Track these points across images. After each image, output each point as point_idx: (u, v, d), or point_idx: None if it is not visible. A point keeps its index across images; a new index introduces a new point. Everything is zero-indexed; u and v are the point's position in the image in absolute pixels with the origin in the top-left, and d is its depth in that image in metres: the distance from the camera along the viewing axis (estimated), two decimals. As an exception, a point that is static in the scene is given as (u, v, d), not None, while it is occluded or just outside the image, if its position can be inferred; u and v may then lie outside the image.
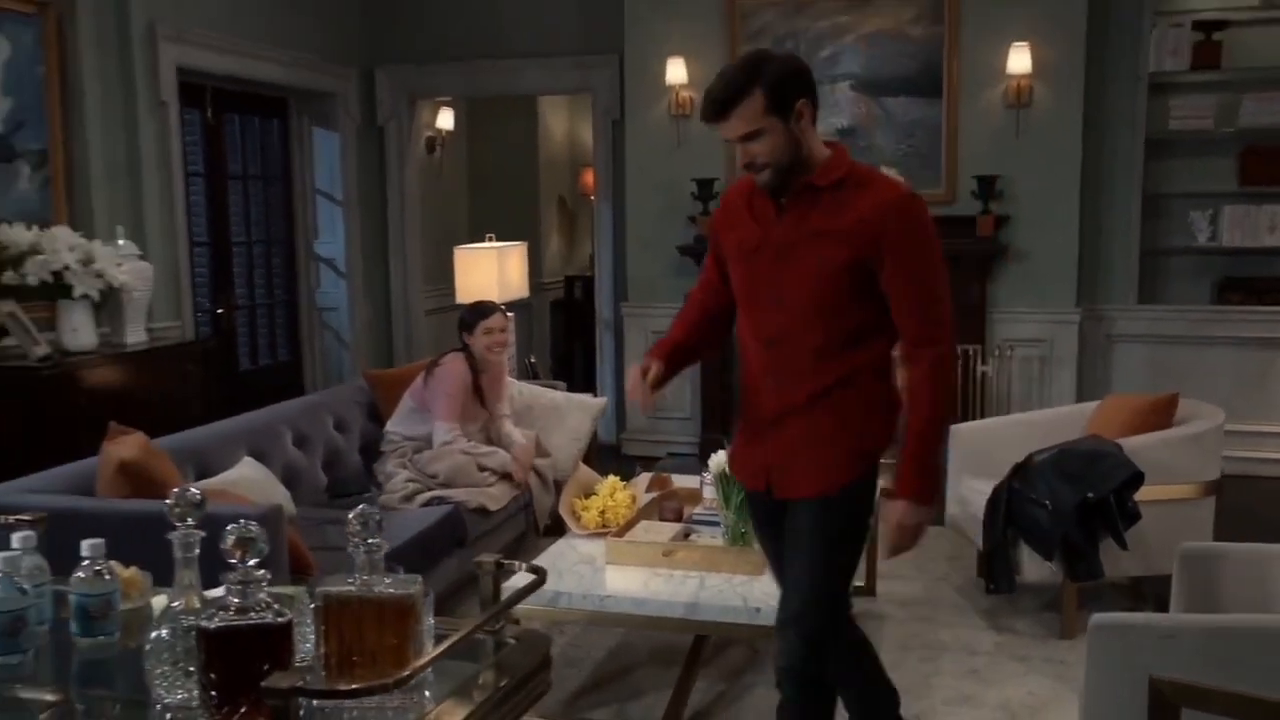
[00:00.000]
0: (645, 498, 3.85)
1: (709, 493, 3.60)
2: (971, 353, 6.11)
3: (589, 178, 8.50)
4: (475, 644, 1.78)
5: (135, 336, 5.03)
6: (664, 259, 6.58)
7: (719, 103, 2.36)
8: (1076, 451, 3.96)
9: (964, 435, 4.60)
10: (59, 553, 2.57)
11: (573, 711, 3.40)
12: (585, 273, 8.78)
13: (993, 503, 4.06)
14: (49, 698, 1.64)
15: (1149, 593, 4.14)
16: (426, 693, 1.58)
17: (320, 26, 6.83)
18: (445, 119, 8.05)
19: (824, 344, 2.43)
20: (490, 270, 5.32)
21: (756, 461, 2.60)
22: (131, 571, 1.88)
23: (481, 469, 4.33)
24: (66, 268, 4.57)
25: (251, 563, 1.44)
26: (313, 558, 3.31)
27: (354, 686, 1.38)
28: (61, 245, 4.59)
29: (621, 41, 6.63)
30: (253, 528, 1.46)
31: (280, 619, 1.41)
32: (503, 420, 4.54)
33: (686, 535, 3.55)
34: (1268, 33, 6.21)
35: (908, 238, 2.36)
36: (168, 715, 1.50)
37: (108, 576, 1.70)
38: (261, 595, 1.42)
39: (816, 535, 2.48)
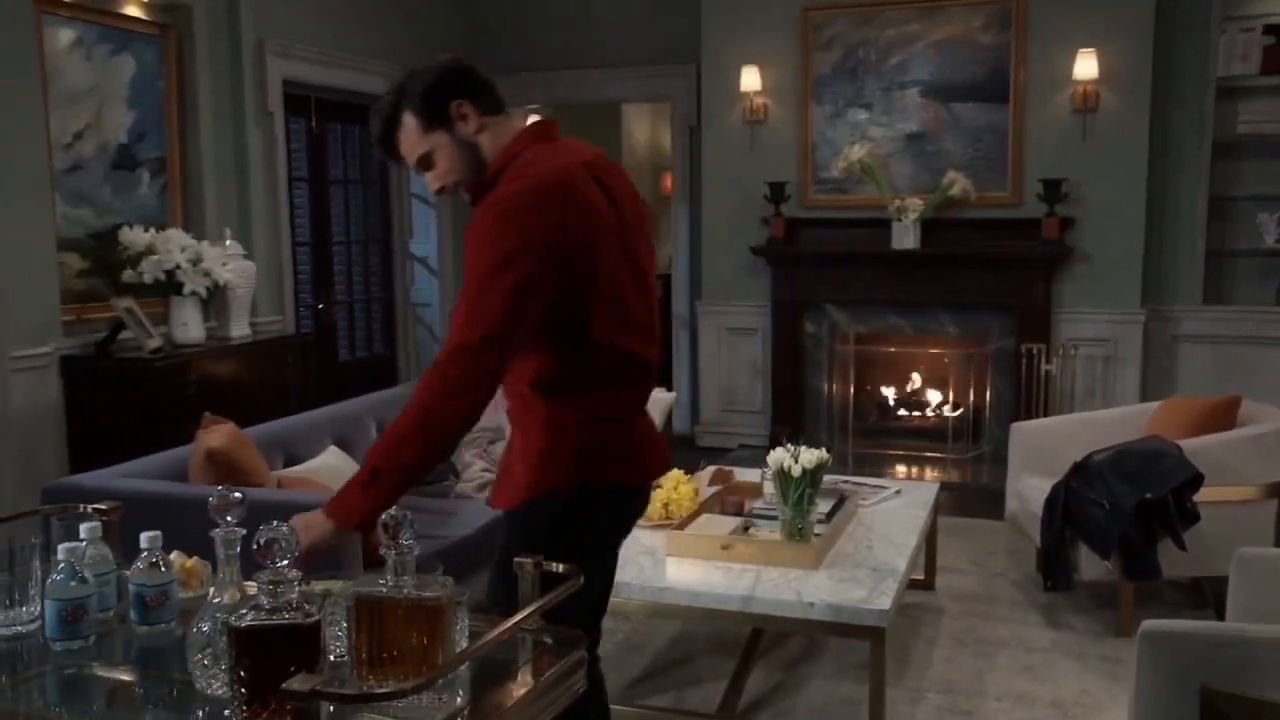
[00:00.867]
0: (708, 491, 3.75)
1: (769, 487, 3.48)
2: (1035, 351, 5.88)
3: (669, 181, 8.39)
4: (514, 642, 1.71)
5: (240, 330, 5.08)
6: (738, 259, 6.47)
7: (379, 141, 2.07)
8: (1136, 452, 3.76)
9: (1024, 433, 4.42)
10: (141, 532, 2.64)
11: (632, 697, 3.32)
12: (666, 272, 8.68)
13: (1051, 501, 3.88)
14: (119, 677, 1.62)
15: (1209, 591, 3.92)
16: (460, 692, 1.51)
17: (418, 40, 6.83)
18: (534, 126, 8.00)
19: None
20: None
21: None
22: (193, 561, 1.84)
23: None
24: (178, 267, 4.63)
25: (283, 563, 1.38)
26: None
27: (372, 691, 1.32)
28: (174, 246, 4.65)
29: (699, 51, 6.53)
30: (283, 528, 1.40)
31: (308, 620, 1.35)
32: None
33: (746, 529, 3.44)
34: (1342, 36, 5.85)
35: (473, 230, 1.91)
36: (206, 708, 1.45)
37: (163, 568, 1.67)
38: (293, 595, 1.37)
39: (499, 549, 2.11)
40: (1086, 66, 5.76)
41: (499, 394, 2.00)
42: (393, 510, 1.51)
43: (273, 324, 5.59)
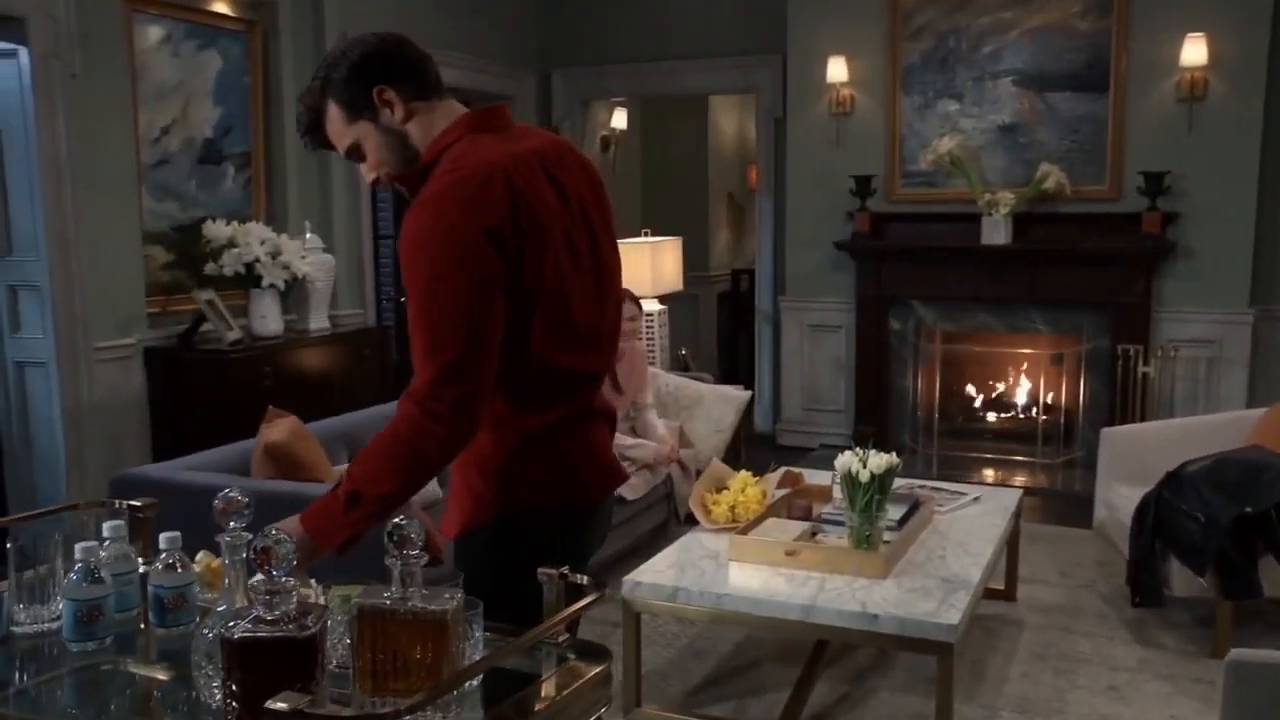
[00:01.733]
0: (777, 494, 3.63)
1: (838, 492, 3.35)
2: (1133, 353, 5.59)
3: (755, 174, 8.26)
4: (537, 655, 1.64)
5: (318, 323, 5.13)
6: (821, 254, 6.30)
7: (306, 132, 1.89)
8: (1235, 462, 3.52)
9: (1115, 439, 4.19)
10: (200, 527, 2.64)
11: (693, 704, 3.23)
12: (751, 266, 8.54)
13: (1140, 511, 3.67)
14: (130, 681, 1.59)
15: (1316, 614, 3.66)
16: (471, 708, 1.44)
17: (500, 34, 6.83)
18: (619, 119, 7.95)
19: None
20: (644, 264, 5.18)
21: None
22: (219, 562, 1.81)
23: (623, 459, 4.20)
24: (257, 260, 4.69)
25: (282, 572, 1.32)
26: (443, 542, 3.23)
27: (366, 712, 1.25)
28: (254, 239, 4.71)
29: (784, 41, 6.37)
30: (283, 536, 1.35)
31: (304, 633, 1.29)
32: (646, 410, 4.39)
33: (813, 535, 3.32)
34: None
35: (404, 238, 1.70)
36: (208, 719, 1.41)
37: (180, 569, 1.63)
38: (291, 606, 1.31)
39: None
40: (1195, 52, 5.44)
41: None
42: (400, 519, 1.44)
43: (353, 317, 5.63)
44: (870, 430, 6.11)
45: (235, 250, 4.65)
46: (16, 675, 1.59)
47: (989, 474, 5.83)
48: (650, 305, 5.35)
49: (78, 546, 1.61)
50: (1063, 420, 5.89)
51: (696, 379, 4.91)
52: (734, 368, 8.12)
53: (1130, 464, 4.07)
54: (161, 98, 4.68)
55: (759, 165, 6.92)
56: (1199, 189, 5.52)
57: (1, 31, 4.00)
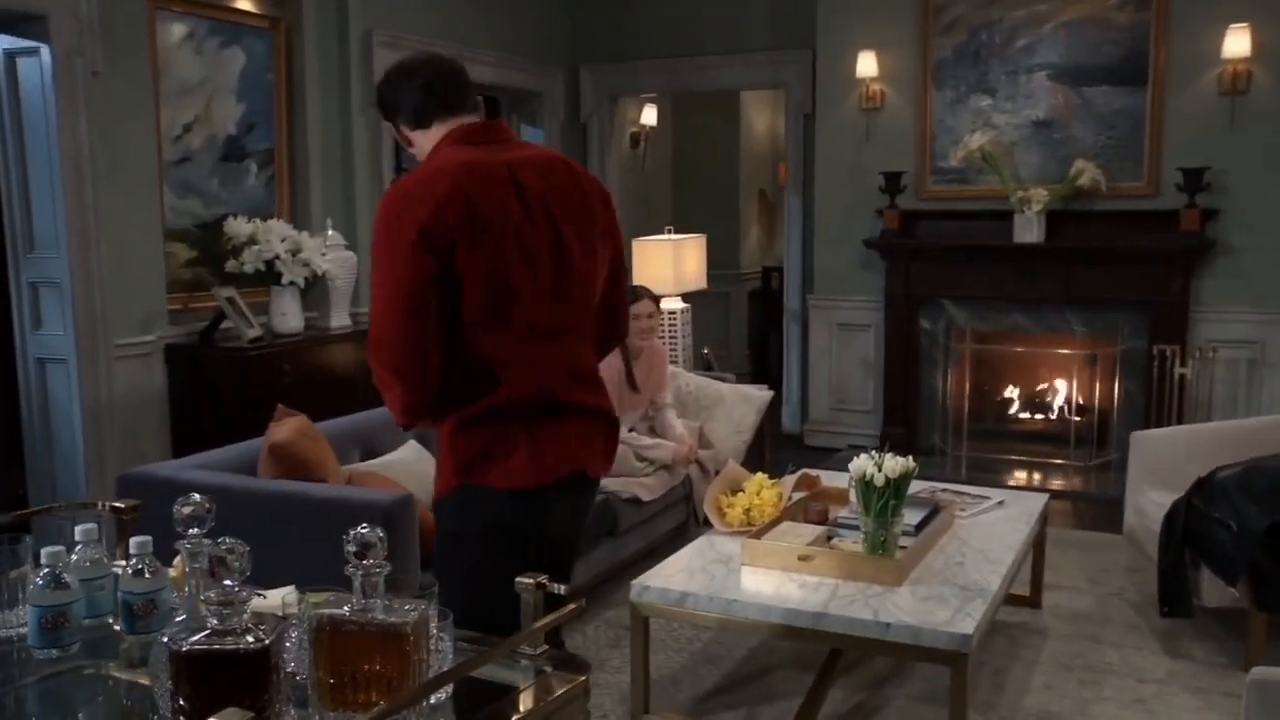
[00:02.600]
0: (794, 497, 3.55)
1: (854, 496, 3.26)
2: (1169, 353, 5.44)
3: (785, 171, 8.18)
4: (515, 668, 1.58)
5: (339, 320, 5.11)
6: (851, 252, 6.22)
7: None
8: (1269, 469, 3.39)
9: (1146, 443, 4.06)
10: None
11: (703, 711, 3.16)
12: (782, 263, 8.47)
13: (1170, 519, 3.55)
14: (90, 689, 1.55)
15: (1356, 626, 3.52)
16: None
17: (529, 30, 6.79)
18: (649, 115, 7.89)
19: None
20: (665, 261, 5.11)
21: None
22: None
23: (640, 459, 4.14)
24: (277, 257, 4.68)
25: (234, 581, 1.28)
26: (453, 543, 3.20)
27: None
28: (274, 236, 4.70)
29: (814, 36, 6.28)
30: (237, 546, 1.30)
31: (253, 646, 1.24)
32: (665, 410, 4.33)
33: (829, 539, 3.24)
34: None
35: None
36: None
37: (149, 575, 1.59)
38: (244, 616, 1.26)
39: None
40: (1237, 43, 5.28)
41: None
42: (363, 528, 1.39)
43: (377, 314, 5.60)
44: (899, 431, 6.02)
45: (256, 247, 4.64)
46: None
47: (1020, 476, 5.71)
48: (673, 303, 5.28)
49: (44, 551, 1.58)
50: (1096, 422, 5.75)
51: (719, 379, 4.83)
52: (764, 367, 8.03)
53: (1161, 469, 3.94)
54: (184, 95, 4.69)
55: (788, 161, 6.83)
56: (1240, 185, 5.36)
57: (23, 29, 4.02)
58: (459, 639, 1.66)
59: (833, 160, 6.25)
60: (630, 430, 4.19)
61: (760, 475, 3.54)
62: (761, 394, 4.62)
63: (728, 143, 8.43)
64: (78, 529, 1.67)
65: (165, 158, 4.60)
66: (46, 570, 1.56)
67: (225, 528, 2.98)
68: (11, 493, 4.39)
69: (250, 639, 1.25)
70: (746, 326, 8.62)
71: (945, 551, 3.23)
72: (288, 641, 1.44)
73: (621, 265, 2.25)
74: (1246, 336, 5.43)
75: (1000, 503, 3.72)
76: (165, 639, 1.30)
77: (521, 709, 1.50)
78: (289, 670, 1.42)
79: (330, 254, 4.98)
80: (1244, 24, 5.26)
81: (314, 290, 5.01)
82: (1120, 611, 3.90)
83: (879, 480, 2.97)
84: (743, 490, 3.51)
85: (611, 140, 7.34)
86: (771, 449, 5.41)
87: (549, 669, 1.57)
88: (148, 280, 4.46)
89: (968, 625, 2.66)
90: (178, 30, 4.66)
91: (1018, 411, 6.16)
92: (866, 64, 6.01)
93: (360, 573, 1.35)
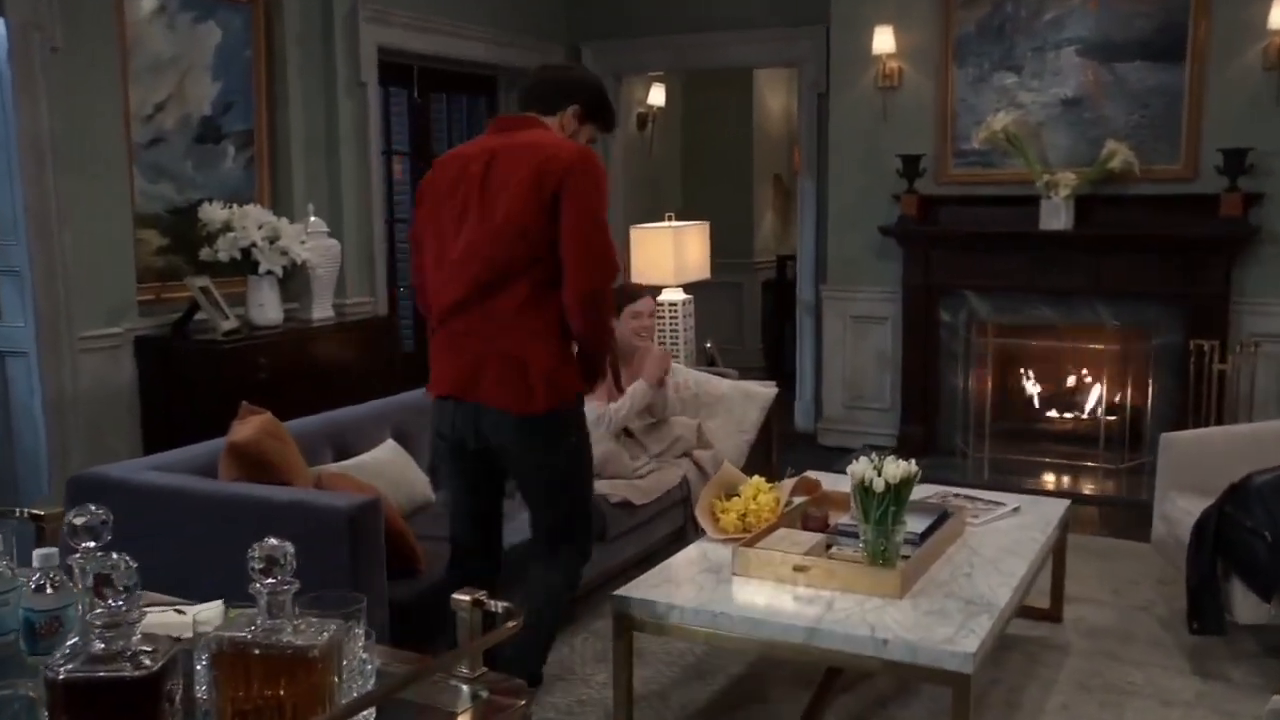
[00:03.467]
0: (793, 502, 3.47)
1: (853, 501, 3.18)
2: (1208, 348, 5.32)
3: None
4: (451, 691, 1.52)
5: (321, 312, 5.07)
6: (867, 239, 6.12)
7: None
8: (1308, 474, 3.29)
9: (1176, 445, 3.96)
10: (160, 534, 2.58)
11: (691, 730, 3.10)
12: (790, 253, 8.40)
13: (1199, 527, 3.45)
14: None
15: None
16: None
17: (525, 5, 6.72)
18: (657, 95, 7.81)
19: None
20: (665, 250, 5.04)
21: None
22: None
23: (634, 457, 4.08)
24: (254, 244, 4.63)
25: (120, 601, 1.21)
26: (423, 551, 3.15)
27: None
28: (251, 222, 4.66)
29: (828, 10, 6.19)
30: (123, 562, 1.24)
31: (141, 672, 1.18)
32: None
33: (828, 547, 3.16)
34: None
35: None
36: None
37: (49, 590, 1.53)
38: (132, 639, 1.20)
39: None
40: (1285, 15, 5.16)
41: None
42: (272, 541, 1.32)
43: (362, 306, 5.57)
44: (918, 429, 5.93)
45: (231, 234, 4.60)
46: None
47: (1046, 480, 5.63)
48: (673, 295, 5.21)
49: (-65, 564, 1.52)
50: (1128, 422, 5.64)
51: (720, 374, 4.76)
52: (779, 362, 7.94)
53: (1192, 473, 3.84)
54: (155, 72, 4.64)
55: (800, 144, 6.74)
56: (1285, 168, 5.25)
57: (-22, 3, 3.98)
58: (401, 659, 1.61)
59: (847, 142, 6.16)
60: (628, 434, 4.14)
61: (757, 478, 3.47)
62: (765, 390, 4.54)
63: (740, 124, 8.35)
64: (-18, 539, 1.61)
65: (135, 139, 4.55)
66: (-62, 585, 1.51)
67: (183, 533, 2.93)
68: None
69: (135, 665, 1.18)
70: (760, 319, 8.54)
71: (953, 561, 3.15)
72: (199, 665, 1.38)
73: (573, 228, 2.70)
74: (1292, 331, 5.31)
75: (1016, 509, 3.63)
76: (45, 665, 1.24)
77: (455, 737, 1.44)
78: (200, 697, 1.36)
79: (311, 242, 4.93)
80: (1291, -7, 5.13)
81: (294, 280, 4.96)
82: (1147, 627, 3.80)
83: (878, 486, 2.89)
84: (738, 494, 3.43)
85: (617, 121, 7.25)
86: (782, 449, 5.34)
87: (485, 693, 1.51)
88: (116, 269, 4.42)
89: (970, 643, 2.58)
90: (147, 3, 4.61)
91: (1044, 410, 6.07)
92: (884, 39, 5.91)
93: (265, 591, 1.28)
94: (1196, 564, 3.45)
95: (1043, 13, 5.64)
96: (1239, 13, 5.28)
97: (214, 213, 4.65)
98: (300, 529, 2.75)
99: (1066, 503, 3.79)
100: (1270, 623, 3.36)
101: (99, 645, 1.20)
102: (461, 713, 1.49)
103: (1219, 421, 5.20)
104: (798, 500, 3.47)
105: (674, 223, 5.25)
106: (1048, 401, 6.07)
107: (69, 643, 1.35)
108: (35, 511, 1.87)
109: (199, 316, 4.60)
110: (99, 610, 1.21)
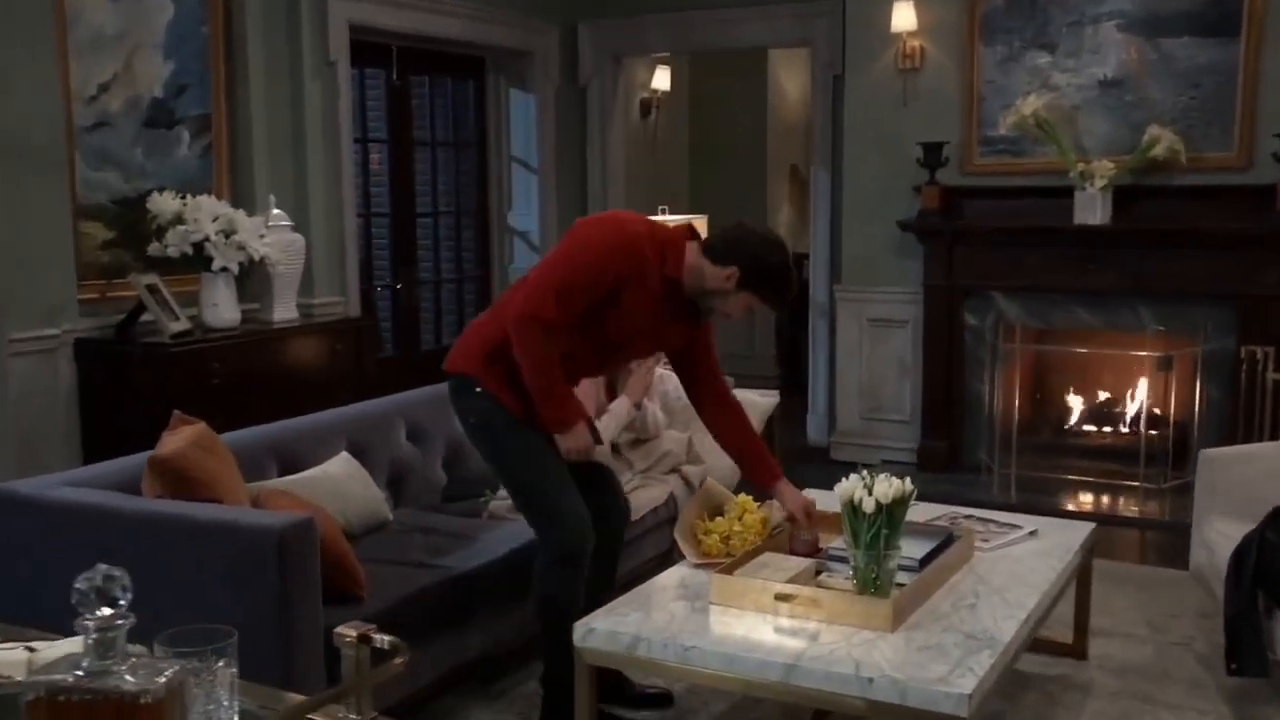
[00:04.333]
0: (782, 524, 3.39)
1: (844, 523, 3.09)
2: (1261, 356, 5.20)
3: (821, 142, 8.01)
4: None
5: (284, 313, 5.01)
6: (884, 235, 6.07)
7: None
8: (1358, 497, 3.17)
9: (1217, 464, 3.85)
10: (75, 556, 2.51)
11: (663, 777, 3.01)
12: (804, 251, 8.30)
13: (1239, 555, 3.35)
14: None
15: None
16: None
17: (514, -21, 6.67)
18: (661, 79, 7.75)
19: None
20: (658, 246, 4.93)
21: None
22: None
23: (617, 474, 4.00)
24: (207, 238, 4.58)
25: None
26: (365, 577, 3.08)
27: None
28: (204, 214, 4.61)
29: (843, -15, 6.13)
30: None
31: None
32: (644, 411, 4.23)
33: (817, 574, 3.07)
34: None
35: None
36: None
37: None
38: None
39: None
40: (1349, -15, 5.05)
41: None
42: (103, 566, 1.24)
43: (331, 306, 5.52)
44: (939, 444, 5.83)
45: (182, 228, 4.55)
46: None
47: (1082, 500, 5.55)
48: (667, 294, 5.11)
49: None
50: (1172, 437, 5.53)
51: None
52: (794, 371, 7.83)
53: (1235, 494, 3.73)
54: (98, 49, 4.60)
55: (814, 130, 6.66)
56: (1353, 155, 5.13)
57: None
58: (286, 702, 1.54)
59: (864, 129, 6.11)
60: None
61: (743, 496, 3.39)
62: (765, 399, 4.46)
63: (753, 111, 8.29)
64: None
65: (77, 122, 4.51)
66: None
67: (99, 556, 2.86)
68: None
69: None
70: (773, 324, 8.44)
71: (956, 591, 3.05)
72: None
73: (548, 256, 3.18)
74: (1356, 337, 5.19)
75: (1033, 533, 3.53)
76: None
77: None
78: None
79: (272, 236, 4.88)
80: (1358, -39, 5.03)
81: (254, 279, 4.91)
82: (1184, 665, 3.69)
83: (868, 506, 2.80)
84: (723, 514, 3.35)
85: (615, 107, 7.21)
86: (791, 463, 5.24)
87: (368, 741, 1.43)
88: (53, 265, 4.37)
89: (967, 683, 2.48)
90: (88, -28, 4.56)
91: (1078, 423, 6.00)
92: (904, 16, 5.84)
93: (93, 626, 1.21)
94: (1235, 596, 3.33)
95: (1079, -14, 5.55)
96: (1301, -19, 5.18)
97: (164, 203, 4.61)
98: (227, 550, 2.72)
99: (1090, 526, 3.70)
100: (1319, 662, 3.25)
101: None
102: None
103: (1273, 437, 5.08)
104: (785, 528, 3.38)
105: (668, 216, 5.16)
106: (1083, 413, 6.00)
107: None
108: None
109: (145, 318, 4.55)
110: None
